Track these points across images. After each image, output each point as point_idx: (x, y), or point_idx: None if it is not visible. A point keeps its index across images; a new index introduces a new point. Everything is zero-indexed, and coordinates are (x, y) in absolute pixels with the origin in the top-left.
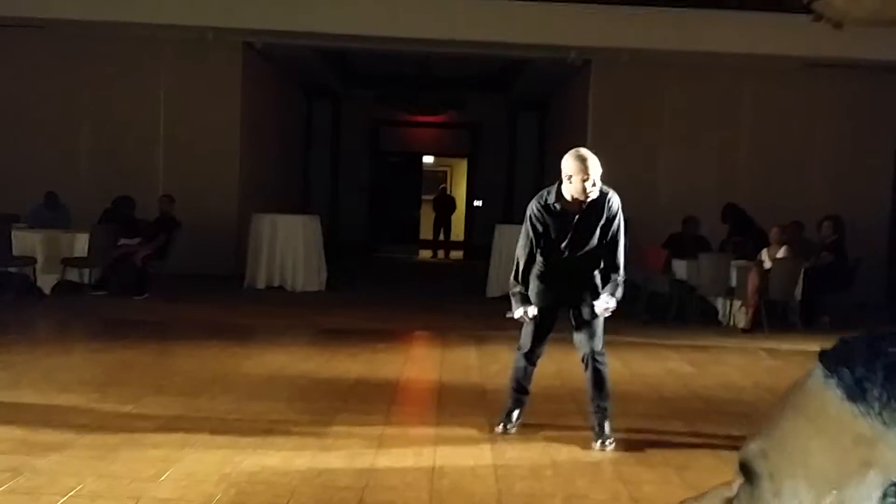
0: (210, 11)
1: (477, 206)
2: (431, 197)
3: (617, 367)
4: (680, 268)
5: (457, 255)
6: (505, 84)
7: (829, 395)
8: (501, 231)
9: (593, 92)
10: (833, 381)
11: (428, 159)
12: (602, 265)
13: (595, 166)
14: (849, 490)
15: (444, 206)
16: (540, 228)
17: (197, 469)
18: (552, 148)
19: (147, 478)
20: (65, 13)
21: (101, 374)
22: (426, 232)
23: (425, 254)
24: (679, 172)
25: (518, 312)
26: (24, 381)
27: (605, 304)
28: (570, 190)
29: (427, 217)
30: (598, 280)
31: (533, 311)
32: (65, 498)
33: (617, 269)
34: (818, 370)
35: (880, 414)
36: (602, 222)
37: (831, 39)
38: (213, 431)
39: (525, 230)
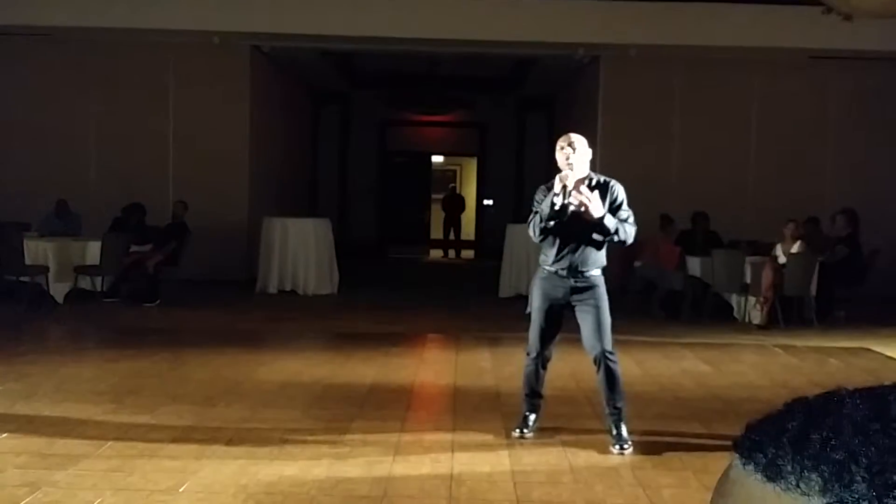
0: (216, 16)
1: (487, 205)
2: (441, 196)
3: (631, 367)
4: (694, 264)
5: (468, 254)
6: (513, 83)
7: (750, 480)
8: (513, 231)
9: (602, 88)
10: (751, 468)
11: (437, 158)
12: (603, 259)
13: (580, 144)
14: None
15: (454, 205)
16: (540, 204)
17: (214, 480)
18: None
19: (165, 490)
20: (72, 21)
21: (115, 384)
22: (436, 232)
23: (436, 254)
24: (690, 167)
25: (558, 187)
26: (39, 392)
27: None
28: (560, 166)
29: (437, 217)
30: (599, 274)
31: (565, 176)
32: None
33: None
34: (736, 460)
35: (798, 486)
36: (606, 207)
37: (841, 32)
38: (229, 442)
39: (532, 211)
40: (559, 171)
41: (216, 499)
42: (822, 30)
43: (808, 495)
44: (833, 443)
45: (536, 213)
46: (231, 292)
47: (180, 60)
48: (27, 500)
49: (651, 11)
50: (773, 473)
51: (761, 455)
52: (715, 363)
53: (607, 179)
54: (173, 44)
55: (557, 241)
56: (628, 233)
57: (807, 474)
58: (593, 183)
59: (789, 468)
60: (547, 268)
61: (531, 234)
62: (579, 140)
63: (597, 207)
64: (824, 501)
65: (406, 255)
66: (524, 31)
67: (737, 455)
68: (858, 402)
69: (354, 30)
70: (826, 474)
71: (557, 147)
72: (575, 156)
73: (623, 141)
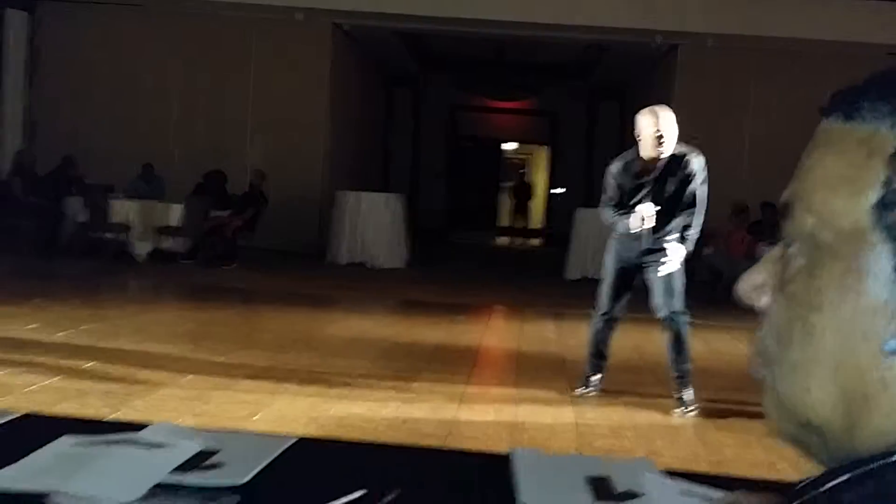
0: None
1: (555, 194)
2: (510, 184)
3: (696, 344)
4: (764, 254)
5: (535, 242)
6: (584, 70)
7: (833, 126)
8: (582, 215)
9: (679, 79)
10: (834, 114)
11: (508, 146)
12: (679, 228)
13: (666, 121)
14: (861, 178)
15: (522, 193)
16: (616, 185)
17: (287, 412)
18: (633, 138)
19: (240, 417)
20: None
21: (193, 329)
22: (504, 219)
23: (502, 241)
24: (767, 160)
25: (636, 218)
26: (122, 332)
27: (675, 251)
28: (642, 148)
29: (506, 204)
30: (674, 239)
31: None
32: None
33: (690, 226)
34: (823, 118)
35: (871, 117)
36: (679, 182)
37: None
38: (301, 382)
39: (604, 188)
40: (639, 146)
41: (289, 426)
42: None
43: (879, 122)
44: None
45: (612, 203)
46: (303, 262)
47: (263, 35)
48: (110, 417)
49: (732, 0)
50: (852, 112)
51: (843, 102)
52: None
53: (684, 152)
54: (257, 18)
55: None
56: (696, 224)
57: (878, 105)
58: (665, 156)
59: (864, 104)
60: (622, 231)
61: (604, 220)
62: (665, 118)
63: (676, 263)
64: (890, 123)
65: (472, 241)
66: (599, 15)
67: (825, 112)
68: None
69: (430, 10)
70: (894, 102)
71: (643, 122)
72: (658, 135)
73: (699, 134)
